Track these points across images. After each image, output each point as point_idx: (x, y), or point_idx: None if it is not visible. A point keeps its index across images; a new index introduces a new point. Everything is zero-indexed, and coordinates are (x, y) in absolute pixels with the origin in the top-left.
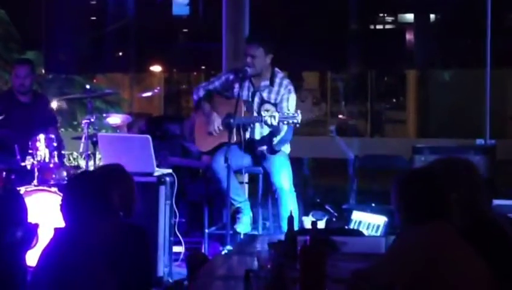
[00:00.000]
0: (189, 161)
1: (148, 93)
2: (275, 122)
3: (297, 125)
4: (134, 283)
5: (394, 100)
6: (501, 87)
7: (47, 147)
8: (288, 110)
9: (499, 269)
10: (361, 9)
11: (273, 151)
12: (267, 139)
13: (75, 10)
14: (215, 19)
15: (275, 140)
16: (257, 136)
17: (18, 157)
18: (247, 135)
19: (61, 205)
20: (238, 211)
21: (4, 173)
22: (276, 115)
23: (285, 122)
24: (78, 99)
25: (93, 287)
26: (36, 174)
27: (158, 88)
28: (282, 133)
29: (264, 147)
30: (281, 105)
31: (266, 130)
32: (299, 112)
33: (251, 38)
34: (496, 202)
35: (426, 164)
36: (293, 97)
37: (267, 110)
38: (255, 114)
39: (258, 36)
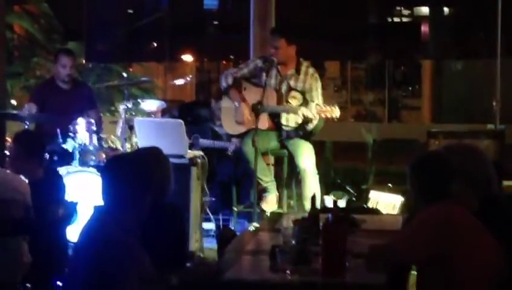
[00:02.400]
0: (219, 143)
1: (181, 81)
2: (310, 115)
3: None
4: (168, 258)
5: (410, 88)
6: (510, 76)
7: (87, 130)
8: (318, 101)
9: (507, 246)
10: (379, 3)
11: (303, 136)
12: (300, 127)
13: (113, 3)
14: (242, 11)
15: (309, 128)
16: (291, 123)
17: (60, 140)
18: (284, 121)
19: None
20: (264, 190)
21: (47, 155)
22: (313, 106)
23: (322, 115)
24: (116, 87)
25: (130, 263)
26: (77, 156)
27: (190, 76)
28: (313, 125)
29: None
30: (311, 94)
31: (297, 118)
32: (336, 106)
33: (274, 30)
34: (505, 183)
35: (440, 147)
36: (320, 85)
37: (294, 98)
38: (286, 102)
39: (280, 29)
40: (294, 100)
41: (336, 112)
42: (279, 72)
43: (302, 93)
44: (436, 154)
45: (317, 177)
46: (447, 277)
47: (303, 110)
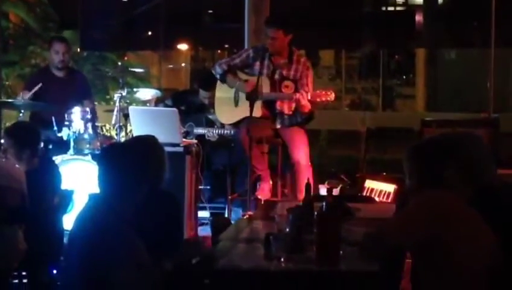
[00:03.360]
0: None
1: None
2: (303, 102)
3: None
4: (163, 245)
5: (404, 77)
6: (504, 65)
7: (82, 119)
8: (309, 88)
9: (502, 234)
10: None
11: (298, 123)
12: (295, 115)
13: None
14: (237, 1)
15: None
16: (285, 111)
17: (55, 128)
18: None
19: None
20: (259, 178)
21: (42, 144)
22: (304, 94)
23: (317, 99)
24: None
25: (124, 250)
26: (72, 144)
27: (184, 64)
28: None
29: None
30: (301, 82)
31: (290, 106)
32: (331, 92)
33: (271, 21)
34: (500, 171)
35: (435, 136)
36: (311, 73)
37: (287, 86)
38: (279, 90)
39: (277, 19)
40: (287, 89)
41: (331, 96)
42: (271, 62)
43: (295, 82)
44: (432, 141)
45: (310, 167)
46: (440, 263)
47: (298, 96)
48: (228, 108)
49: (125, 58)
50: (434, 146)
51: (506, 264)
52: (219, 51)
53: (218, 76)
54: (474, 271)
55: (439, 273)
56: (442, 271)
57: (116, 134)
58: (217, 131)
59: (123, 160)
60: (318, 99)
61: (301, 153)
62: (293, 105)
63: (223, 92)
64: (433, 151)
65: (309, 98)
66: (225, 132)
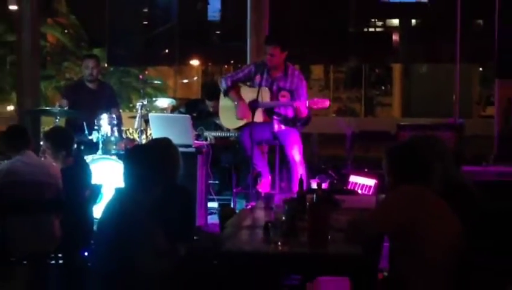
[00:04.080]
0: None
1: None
2: (302, 108)
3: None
4: (178, 232)
5: (383, 88)
6: (468, 78)
7: (109, 124)
8: (304, 97)
9: (466, 222)
10: (357, 16)
11: (294, 126)
12: (291, 120)
13: (131, 16)
14: (240, 23)
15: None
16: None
17: (86, 132)
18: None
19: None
20: (259, 174)
21: (75, 145)
22: (306, 102)
23: (315, 106)
24: (134, 87)
25: (145, 236)
26: (100, 145)
27: (196, 78)
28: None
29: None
30: (298, 92)
31: (287, 111)
32: (328, 100)
33: (270, 40)
34: (464, 168)
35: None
36: (305, 84)
37: (284, 96)
38: (276, 99)
39: (275, 38)
40: (284, 98)
41: (326, 103)
42: (270, 75)
43: (290, 92)
44: (407, 144)
45: (303, 164)
46: (414, 245)
47: (296, 104)
48: (231, 115)
49: (146, 72)
50: (406, 148)
51: (468, 245)
52: (226, 66)
53: (222, 90)
54: (442, 251)
55: (413, 254)
56: (415, 252)
57: (138, 137)
58: (223, 134)
59: (144, 159)
60: (315, 107)
61: (295, 152)
62: (289, 111)
63: (226, 101)
64: (408, 154)
65: (307, 105)
66: (230, 134)
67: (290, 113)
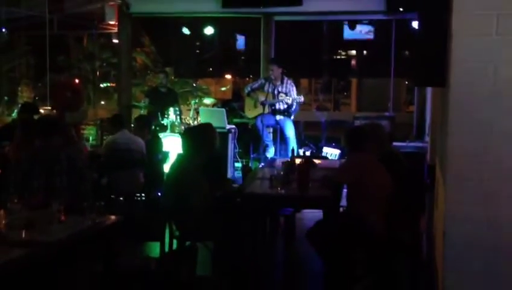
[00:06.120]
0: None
1: (224, 88)
2: (289, 102)
3: (302, 103)
4: (216, 182)
5: (345, 93)
6: (398, 87)
7: (174, 114)
8: (295, 95)
9: (396, 176)
10: (329, 48)
11: (288, 115)
12: (286, 110)
13: (188, 47)
14: (257, 51)
15: (291, 110)
16: (282, 108)
17: (160, 118)
18: (277, 107)
19: (181, 143)
20: (267, 145)
21: (152, 127)
22: (291, 98)
23: (295, 100)
24: (190, 91)
25: (195, 183)
26: (168, 127)
27: (229, 86)
28: (293, 108)
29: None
30: (290, 93)
31: (283, 105)
32: (302, 96)
33: (271, 60)
34: (394, 143)
35: (360, 124)
36: (294, 90)
37: (282, 96)
38: (278, 98)
39: (274, 59)
40: (281, 97)
41: (301, 98)
42: (273, 84)
43: (285, 94)
44: (357, 127)
45: (295, 141)
46: (363, 190)
47: (288, 99)
48: (250, 108)
49: (197, 82)
50: (359, 130)
51: (396, 193)
52: (247, 78)
53: (246, 92)
54: (380, 196)
55: (361, 194)
56: (362, 193)
57: (192, 122)
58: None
59: (195, 136)
60: (296, 101)
61: (290, 132)
62: (286, 105)
63: (248, 101)
64: (358, 133)
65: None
66: (249, 121)
67: (282, 107)
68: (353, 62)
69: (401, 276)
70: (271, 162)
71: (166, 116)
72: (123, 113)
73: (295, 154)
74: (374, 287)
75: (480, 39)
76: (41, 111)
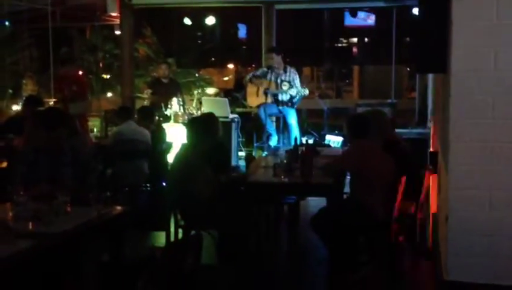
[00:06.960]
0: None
1: (226, 78)
2: (293, 94)
3: (306, 95)
4: (221, 168)
5: (347, 81)
6: (400, 74)
7: (177, 104)
8: (298, 86)
9: (399, 166)
10: (330, 36)
11: (291, 106)
12: (289, 100)
13: (190, 37)
14: (258, 41)
15: (294, 101)
16: (284, 98)
17: (163, 109)
18: (280, 98)
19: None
20: (270, 134)
21: (156, 118)
22: (295, 90)
23: (299, 93)
24: (193, 81)
25: (199, 171)
26: (172, 117)
27: (231, 76)
28: (296, 99)
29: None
30: (294, 82)
31: (287, 96)
32: (307, 89)
33: (268, 50)
34: (397, 130)
35: (363, 111)
36: (298, 78)
37: (285, 85)
38: (280, 88)
39: (271, 48)
40: (285, 86)
41: (306, 91)
42: (275, 72)
43: (289, 82)
44: (359, 114)
45: (298, 129)
46: (364, 177)
47: (291, 90)
48: (253, 97)
49: (200, 72)
50: (361, 118)
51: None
52: (249, 68)
53: (248, 79)
54: (382, 183)
55: (364, 183)
56: (365, 182)
57: (195, 112)
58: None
59: (198, 125)
60: (300, 94)
61: (292, 120)
62: (289, 95)
63: (251, 89)
64: (361, 120)
65: (295, 93)
66: (251, 110)
67: (285, 97)
68: (354, 50)
69: (402, 261)
70: (274, 151)
71: (169, 106)
72: (127, 104)
73: (298, 142)
74: (376, 272)
75: (481, 25)
76: (51, 103)
